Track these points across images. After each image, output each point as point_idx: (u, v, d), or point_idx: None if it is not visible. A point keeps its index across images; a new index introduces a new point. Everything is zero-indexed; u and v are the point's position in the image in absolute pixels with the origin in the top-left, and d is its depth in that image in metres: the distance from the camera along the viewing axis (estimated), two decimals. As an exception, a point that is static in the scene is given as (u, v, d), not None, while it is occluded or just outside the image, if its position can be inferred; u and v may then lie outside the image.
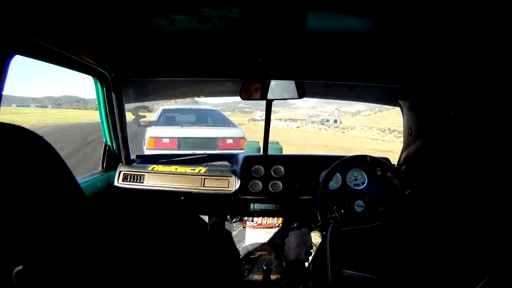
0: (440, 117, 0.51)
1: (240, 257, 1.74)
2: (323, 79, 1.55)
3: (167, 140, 4.25)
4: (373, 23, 0.96)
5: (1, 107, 0.80)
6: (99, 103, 1.49)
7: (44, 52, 1.00)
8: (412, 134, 0.57)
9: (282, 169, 1.65)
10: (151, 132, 4.19)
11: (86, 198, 0.45)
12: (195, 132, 4.57)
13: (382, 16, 0.90)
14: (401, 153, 1.75)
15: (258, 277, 1.58)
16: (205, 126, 5.01)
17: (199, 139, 4.52)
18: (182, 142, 4.36)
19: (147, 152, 4.08)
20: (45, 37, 0.90)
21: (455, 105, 0.51)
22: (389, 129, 24.05)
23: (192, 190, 1.67)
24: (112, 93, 1.46)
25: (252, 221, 1.71)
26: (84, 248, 0.43)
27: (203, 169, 1.68)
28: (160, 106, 5.68)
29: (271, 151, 1.83)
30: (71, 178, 0.43)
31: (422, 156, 0.51)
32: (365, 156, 1.47)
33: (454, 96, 0.52)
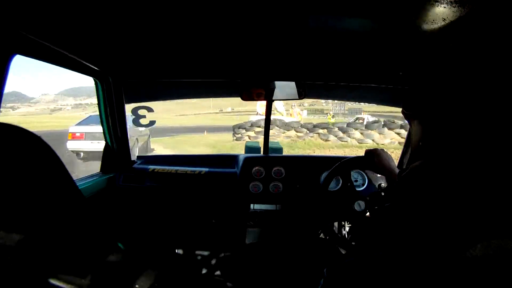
0: (450, 134, 0.51)
1: (241, 257, 1.74)
2: (324, 80, 1.55)
3: (78, 134, 6.67)
4: (375, 23, 0.95)
5: None
6: (99, 104, 1.49)
7: (45, 52, 1.00)
8: (422, 147, 0.57)
9: (283, 170, 1.65)
10: (71, 129, 6.85)
11: (85, 199, 0.45)
12: (97, 128, 6.21)
13: (384, 16, 0.89)
14: (401, 160, 1.73)
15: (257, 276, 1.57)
16: None
17: (98, 133, 6.39)
18: (87, 135, 6.63)
19: (69, 142, 6.64)
20: (46, 38, 0.90)
21: (464, 120, 0.51)
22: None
23: (192, 191, 1.67)
24: (113, 94, 1.46)
25: (253, 221, 1.70)
26: (82, 248, 0.43)
27: (203, 170, 1.68)
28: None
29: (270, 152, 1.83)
30: (69, 178, 0.43)
31: (431, 170, 0.53)
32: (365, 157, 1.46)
33: (462, 106, 0.52)
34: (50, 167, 0.41)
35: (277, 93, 1.65)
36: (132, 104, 1.66)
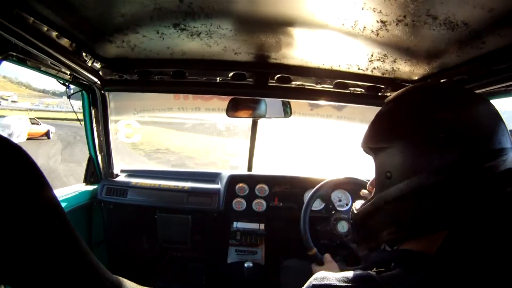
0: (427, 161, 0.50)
1: (222, 274, 1.66)
2: (309, 99, 1.57)
3: None
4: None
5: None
6: (84, 115, 1.50)
7: (31, 60, 1.01)
8: (392, 178, 0.55)
9: (266, 188, 1.63)
10: None
11: (64, 213, 0.42)
12: None
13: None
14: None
15: None
16: None
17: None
18: None
19: None
20: (33, 45, 0.90)
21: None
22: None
23: (175, 206, 1.63)
24: (98, 105, 1.47)
25: (235, 239, 1.64)
26: (61, 263, 0.40)
27: (186, 186, 1.66)
28: None
29: None
30: (48, 190, 0.40)
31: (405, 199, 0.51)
32: (350, 179, 1.44)
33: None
34: (28, 179, 0.39)
35: (263, 112, 1.66)
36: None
